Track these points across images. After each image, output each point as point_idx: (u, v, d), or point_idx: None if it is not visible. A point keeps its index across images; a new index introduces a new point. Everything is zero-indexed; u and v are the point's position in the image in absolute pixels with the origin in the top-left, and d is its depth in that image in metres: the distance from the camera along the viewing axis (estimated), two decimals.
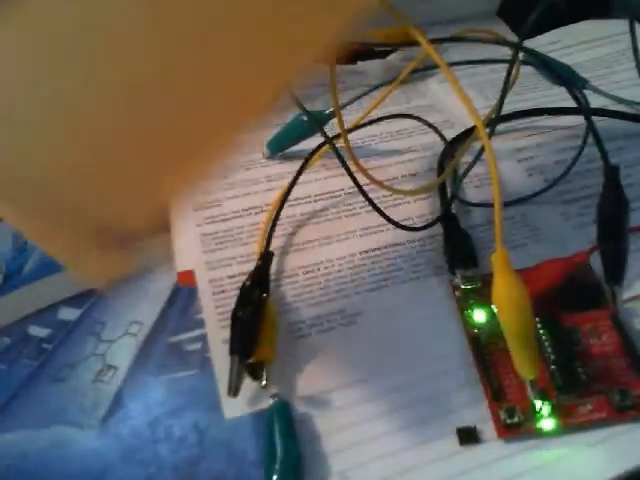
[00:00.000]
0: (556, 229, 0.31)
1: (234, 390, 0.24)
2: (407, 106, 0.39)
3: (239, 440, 0.24)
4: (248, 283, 0.26)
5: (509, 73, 0.25)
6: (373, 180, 0.27)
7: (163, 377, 0.27)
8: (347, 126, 0.34)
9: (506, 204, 0.32)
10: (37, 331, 0.30)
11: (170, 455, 0.24)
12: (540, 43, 0.45)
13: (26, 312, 0.30)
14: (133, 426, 0.25)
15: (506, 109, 0.34)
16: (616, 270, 0.25)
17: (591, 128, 0.28)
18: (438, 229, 0.30)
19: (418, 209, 0.32)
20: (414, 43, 0.22)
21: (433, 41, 0.26)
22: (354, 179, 0.28)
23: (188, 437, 0.25)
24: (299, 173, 0.29)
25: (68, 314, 0.30)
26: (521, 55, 0.39)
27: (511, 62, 0.25)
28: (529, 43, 0.45)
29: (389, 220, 0.28)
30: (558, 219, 0.31)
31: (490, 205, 0.31)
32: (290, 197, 0.31)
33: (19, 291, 0.31)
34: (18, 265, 0.32)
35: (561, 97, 0.36)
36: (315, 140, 0.33)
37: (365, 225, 0.31)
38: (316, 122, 0.30)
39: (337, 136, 0.29)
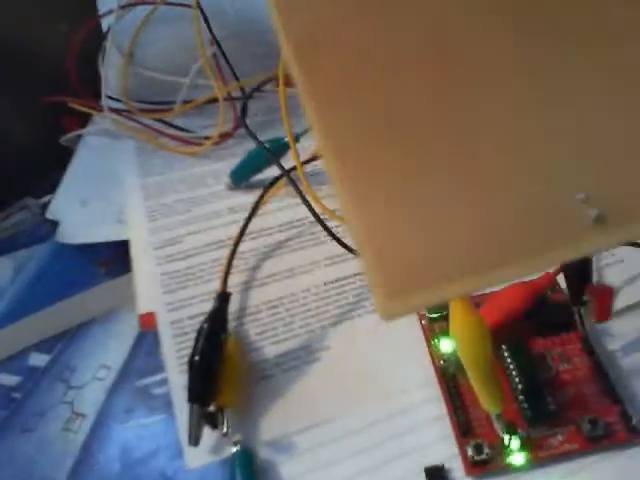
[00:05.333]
0: None
1: (194, 440, 0.23)
2: None
3: None
4: (205, 326, 0.25)
5: None
6: (326, 211, 0.26)
7: (130, 423, 0.26)
8: (310, 150, 0.33)
9: None
10: (7, 379, 0.29)
11: None
12: None
13: None
14: (101, 477, 0.25)
15: None
16: (581, 292, 0.24)
17: None
18: None
19: None
20: None
21: None
22: (311, 209, 0.27)
23: None
24: (255, 207, 0.29)
25: (38, 360, 0.30)
26: None
27: None
28: None
29: (349, 249, 0.28)
30: None
31: None
32: (253, 229, 0.31)
33: None
34: None
35: None
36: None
37: (330, 254, 0.31)
38: (272, 154, 0.30)
39: (294, 168, 0.29)
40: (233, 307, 0.28)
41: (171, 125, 0.39)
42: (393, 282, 0.13)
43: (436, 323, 0.26)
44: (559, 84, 0.16)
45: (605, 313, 0.23)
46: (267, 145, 0.31)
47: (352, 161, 0.15)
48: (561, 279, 0.26)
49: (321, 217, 0.29)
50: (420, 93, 0.16)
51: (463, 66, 0.16)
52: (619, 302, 0.26)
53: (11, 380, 0.29)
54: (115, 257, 0.33)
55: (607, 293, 0.23)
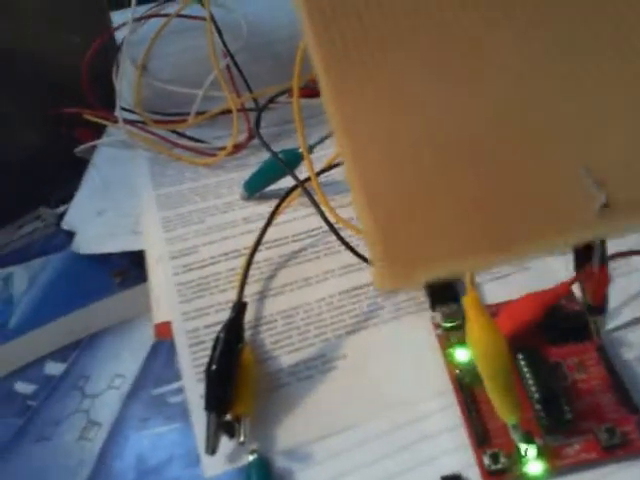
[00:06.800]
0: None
1: (211, 449, 0.23)
2: None
3: None
4: (221, 335, 0.25)
5: None
6: (340, 220, 0.27)
7: (146, 432, 0.26)
8: (323, 160, 0.33)
9: None
10: (23, 388, 0.29)
11: None
12: None
13: (12, 368, 0.30)
14: None
15: None
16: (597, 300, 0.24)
17: None
18: None
19: None
20: None
21: None
22: (326, 219, 0.28)
23: None
24: (271, 217, 0.29)
25: (53, 369, 0.30)
26: None
27: None
28: None
29: (363, 258, 0.28)
30: None
31: None
32: (268, 239, 0.31)
33: (5, 346, 0.31)
34: (3, 319, 0.32)
35: None
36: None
37: (344, 263, 0.31)
38: (286, 164, 0.30)
39: (308, 179, 0.29)
40: (248, 316, 0.28)
41: (185, 136, 0.40)
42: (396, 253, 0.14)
43: (451, 332, 0.26)
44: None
45: (598, 298, 0.23)
46: (281, 156, 0.32)
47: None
48: (576, 288, 0.26)
49: (335, 227, 0.29)
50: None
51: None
52: (635, 311, 0.26)
53: (27, 388, 0.29)
54: (130, 267, 0.33)
55: (603, 279, 0.23)
